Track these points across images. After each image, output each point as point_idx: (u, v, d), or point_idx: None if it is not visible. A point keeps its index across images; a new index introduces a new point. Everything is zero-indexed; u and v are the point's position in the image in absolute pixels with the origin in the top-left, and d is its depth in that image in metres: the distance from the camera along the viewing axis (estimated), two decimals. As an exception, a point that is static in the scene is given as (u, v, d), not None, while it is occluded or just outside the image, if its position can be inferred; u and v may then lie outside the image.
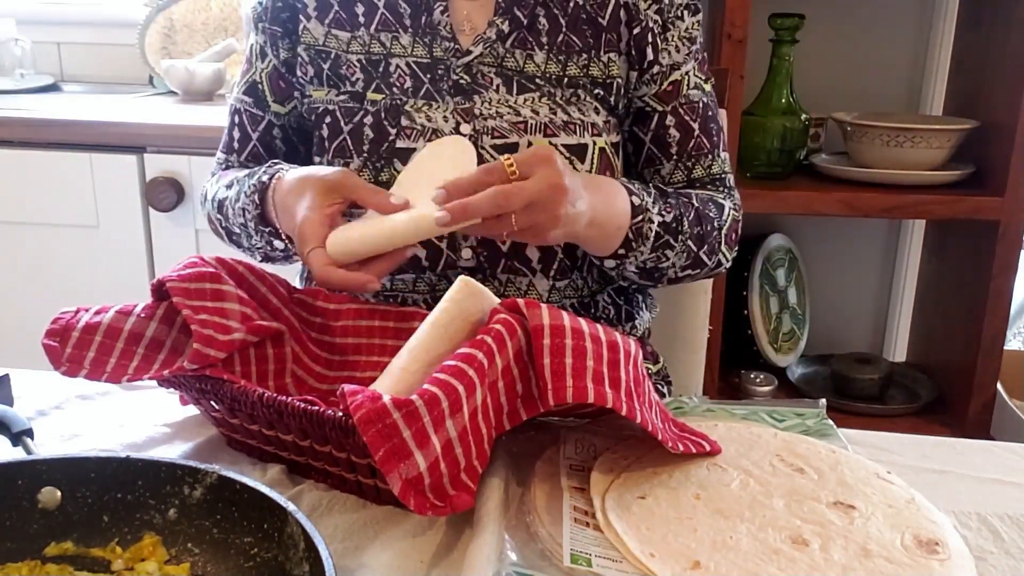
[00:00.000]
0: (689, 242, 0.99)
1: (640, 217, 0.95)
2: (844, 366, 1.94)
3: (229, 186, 1.02)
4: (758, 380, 1.89)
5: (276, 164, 0.98)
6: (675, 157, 1.05)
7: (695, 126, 1.05)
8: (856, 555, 0.61)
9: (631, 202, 0.95)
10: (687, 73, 1.04)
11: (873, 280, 2.17)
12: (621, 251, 0.96)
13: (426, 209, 0.81)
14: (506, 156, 0.82)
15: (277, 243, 0.99)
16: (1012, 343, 2.37)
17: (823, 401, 0.86)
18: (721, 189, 1.07)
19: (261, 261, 1.01)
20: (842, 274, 2.15)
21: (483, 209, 0.79)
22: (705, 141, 1.06)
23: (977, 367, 1.77)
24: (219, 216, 1.05)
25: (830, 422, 0.83)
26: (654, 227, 0.96)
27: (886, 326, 2.18)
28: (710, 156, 1.06)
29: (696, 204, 1.01)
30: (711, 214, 1.02)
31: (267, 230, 0.97)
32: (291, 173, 0.93)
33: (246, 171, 1.02)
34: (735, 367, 1.94)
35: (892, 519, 0.66)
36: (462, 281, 0.73)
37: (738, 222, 1.06)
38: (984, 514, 0.71)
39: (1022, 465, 0.79)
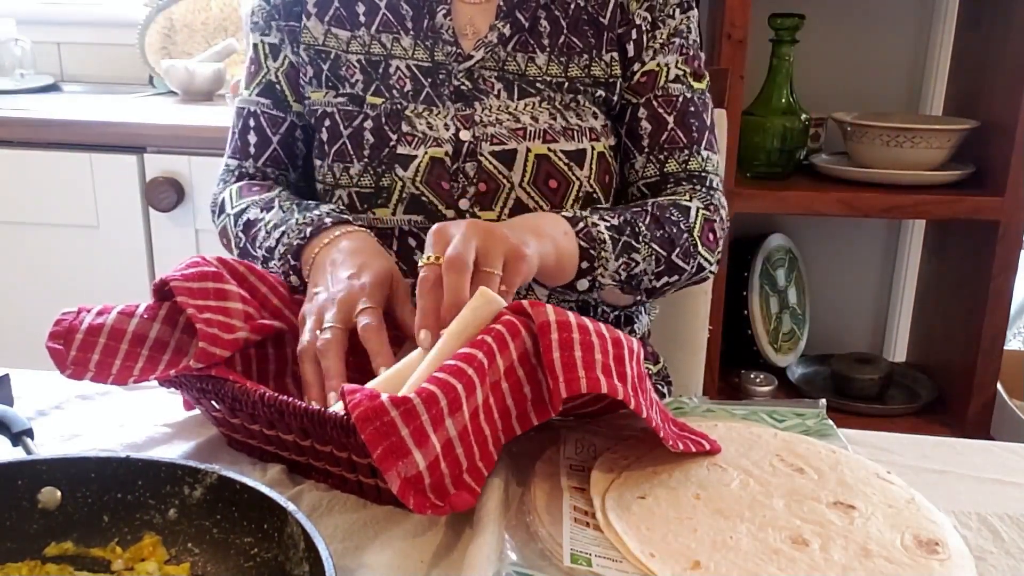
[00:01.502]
0: (654, 244, 0.95)
1: (581, 224, 0.91)
2: (844, 366, 1.94)
3: (266, 208, 0.98)
4: (758, 380, 1.89)
5: (345, 213, 0.96)
6: (647, 150, 1.04)
7: (669, 119, 1.03)
8: (856, 555, 0.61)
9: (562, 216, 0.91)
10: (666, 65, 1.03)
11: (873, 280, 2.17)
12: (584, 264, 0.91)
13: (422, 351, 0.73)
14: (419, 261, 0.77)
15: (293, 279, 0.93)
16: (1012, 343, 2.37)
17: (823, 401, 0.86)
18: (699, 188, 1.03)
19: None
20: (842, 274, 2.15)
21: (460, 302, 0.72)
22: (681, 135, 1.03)
23: (977, 367, 1.77)
24: (242, 234, 1.00)
25: (830, 422, 0.83)
26: (604, 230, 0.92)
27: (886, 326, 2.18)
28: (687, 151, 1.03)
29: (652, 211, 0.98)
30: (674, 218, 0.98)
31: (293, 263, 0.92)
32: (354, 237, 0.89)
33: (290, 199, 0.99)
34: (735, 367, 1.94)
35: (892, 519, 0.66)
36: (479, 289, 0.72)
37: (713, 222, 1.02)
38: (984, 514, 0.71)
39: (1022, 465, 0.79)
